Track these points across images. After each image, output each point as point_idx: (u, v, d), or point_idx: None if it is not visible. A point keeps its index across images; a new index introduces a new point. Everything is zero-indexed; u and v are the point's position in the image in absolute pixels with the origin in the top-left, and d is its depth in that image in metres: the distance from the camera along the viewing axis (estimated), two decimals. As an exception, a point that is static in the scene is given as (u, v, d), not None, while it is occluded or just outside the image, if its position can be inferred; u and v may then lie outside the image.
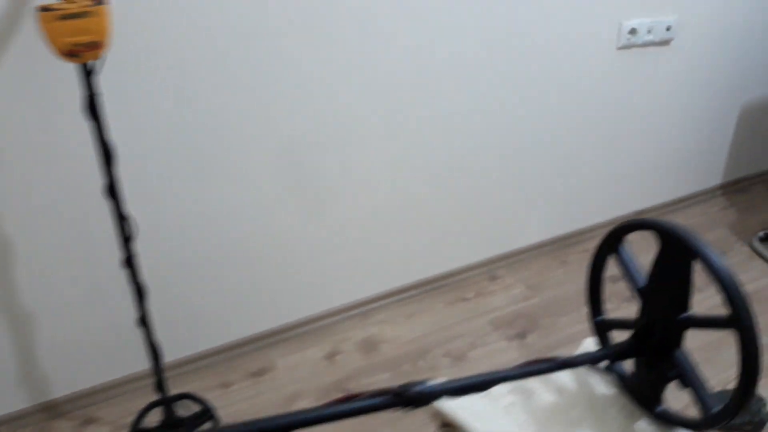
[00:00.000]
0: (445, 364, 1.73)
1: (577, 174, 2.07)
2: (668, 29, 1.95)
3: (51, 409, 1.52)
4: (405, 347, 1.78)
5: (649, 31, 1.92)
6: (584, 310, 1.89)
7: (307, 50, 1.43)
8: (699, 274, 1.23)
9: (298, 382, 1.66)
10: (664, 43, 1.98)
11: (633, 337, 1.40)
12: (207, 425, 1.50)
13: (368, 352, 1.78)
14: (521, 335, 1.83)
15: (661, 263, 1.33)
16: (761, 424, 1.44)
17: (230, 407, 1.57)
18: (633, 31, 1.90)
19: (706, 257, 1.16)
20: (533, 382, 1.53)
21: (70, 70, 1.14)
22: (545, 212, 2.08)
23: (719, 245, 2.20)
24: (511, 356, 1.75)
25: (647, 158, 2.21)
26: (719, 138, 2.36)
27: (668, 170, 2.30)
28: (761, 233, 2.21)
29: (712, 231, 2.28)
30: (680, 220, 2.32)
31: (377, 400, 1.07)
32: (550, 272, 2.08)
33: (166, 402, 1.44)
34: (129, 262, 1.23)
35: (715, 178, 2.47)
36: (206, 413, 1.52)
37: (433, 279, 1.96)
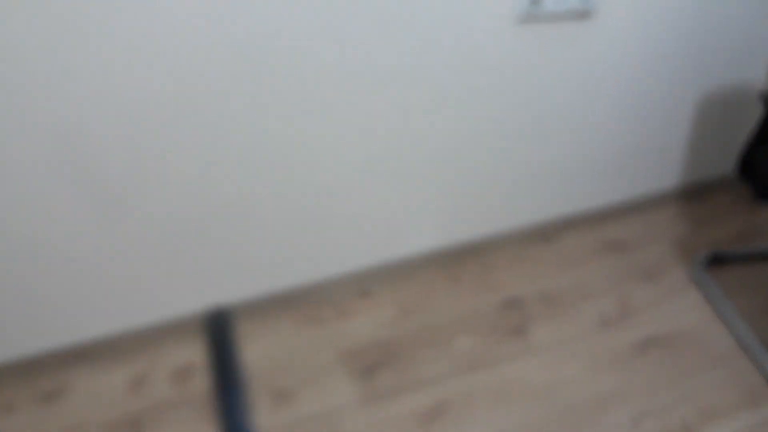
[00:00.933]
0: (266, 403, 1.43)
1: (479, 173, 1.70)
2: (585, -3, 1.55)
3: None
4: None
5: None
6: (457, 344, 1.56)
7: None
8: None
9: (91, 411, 1.39)
10: (583, 15, 1.57)
11: None
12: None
13: (181, 381, 1.48)
14: (368, 372, 1.50)
15: None
16: None
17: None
18: None
19: None
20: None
21: None
22: (439, 216, 1.72)
23: (655, 265, 1.81)
24: (347, 398, 1.44)
25: (574, 157, 1.82)
26: (670, 134, 1.94)
27: (604, 171, 1.91)
28: (704, 255, 1.82)
29: (650, 246, 1.90)
30: (612, 231, 1.94)
31: None
32: (435, 291, 1.74)
33: None
34: None
35: (667, 182, 2.06)
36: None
37: (283, 293, 1.64)
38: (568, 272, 1.79)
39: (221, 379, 1.21)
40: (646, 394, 1.44)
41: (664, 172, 2.03)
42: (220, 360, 1.24)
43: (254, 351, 1.55)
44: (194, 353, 1.54)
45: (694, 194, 2.12)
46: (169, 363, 1.52)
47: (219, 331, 1.32)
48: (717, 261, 1.83)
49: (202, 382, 1.48)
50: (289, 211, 1.52)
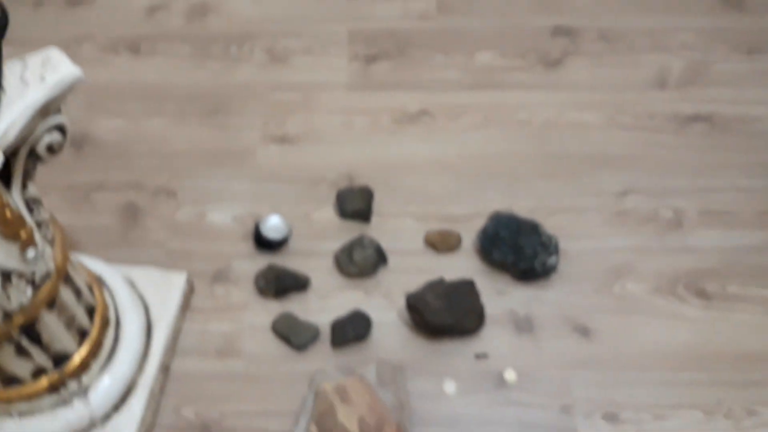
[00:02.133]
0: (261, 59, 1.41)
1: None
2: None
3: None
4: (236, 26, 1.47)
5: None
6: (478, 57, 1.40)
7: None
8: None
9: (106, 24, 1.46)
10: None
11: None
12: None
13: (197, 16, 1.49)
14: (370, 59, 1.41)
15: None
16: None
17: None
18: None
19: None
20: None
21: None
22: None
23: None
24: (337, 77, 1.39)
25: None
26: None
27: None
28: None
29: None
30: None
31: None
32: (485, -2, 1.51)
33: None
34: None
35: None
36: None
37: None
38: (651, 16, 1.47)
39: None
40: (658, 171, 1.23)
41: None
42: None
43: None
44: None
45: None
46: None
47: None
48: None
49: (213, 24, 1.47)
50: None
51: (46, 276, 0.73)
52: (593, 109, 1.33)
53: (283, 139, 1.30)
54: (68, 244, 0.79)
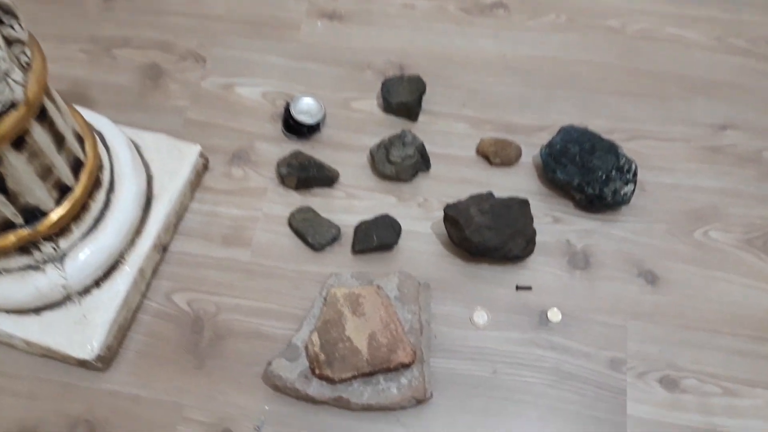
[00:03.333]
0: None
1: None
2: None
3: None
4: None
5: None
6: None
7: None
8: None
9: None
10: None
11: None
12: None
13: None
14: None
15: None
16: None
17: None
18: None
19: None
20: None
21: None
22: None
23: None
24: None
25: None
26: None
27: None
28: None
29: None
30: None
31: None
32: None
33: None
34: None
35: None
36: None
37: None
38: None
39: None
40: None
41: None
42: None
43: None
44: None
45: None
46: None
47: None
48: None
49: None
50: None
51: (11, 105, 0.60)
52: (700, 26, 1.12)
53: (333, 15, 1.13)
54: (71, 97, 0.66)
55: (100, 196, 0.82)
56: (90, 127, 0.81)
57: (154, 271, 0.89)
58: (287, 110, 0.99)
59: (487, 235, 0.85)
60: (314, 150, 0.99)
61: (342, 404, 0.77)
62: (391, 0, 1.15)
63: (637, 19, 1.12)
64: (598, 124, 1.00)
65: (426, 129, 1.01)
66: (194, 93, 1.05)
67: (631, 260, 0.90)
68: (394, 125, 1.01)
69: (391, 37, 1.10)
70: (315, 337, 0.78)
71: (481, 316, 0.86)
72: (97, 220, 0.81)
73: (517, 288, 0.88)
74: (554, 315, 0.86)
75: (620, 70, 1.07)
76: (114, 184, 0.84)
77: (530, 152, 0.98)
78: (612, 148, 0.90)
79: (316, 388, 0.77)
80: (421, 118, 1.02)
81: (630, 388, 0.81)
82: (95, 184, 0.80)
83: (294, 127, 0.99)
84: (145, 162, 0.92)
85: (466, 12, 1.13)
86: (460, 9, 1.14)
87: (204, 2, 1.15)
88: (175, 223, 0.92)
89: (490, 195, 0.88)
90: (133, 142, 0.93)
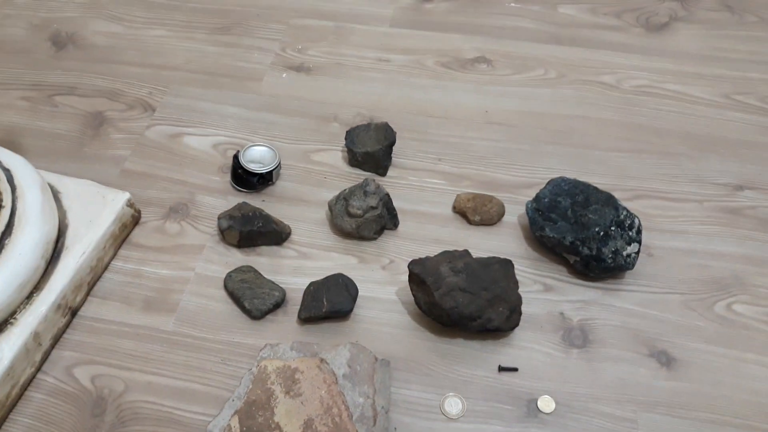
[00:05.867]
0: None
1: None
2: None
3: None
4: None
5: None
6: None
7: None
8: None
9: None
10: None
11: None
12: None
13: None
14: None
15: None
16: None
17: None
18: None
19: None
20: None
21: None
22: None
23: None
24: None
25: None
26: None
27: None
28: None
29: None
30: None
31: None
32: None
33: None
34: None
35: None
36: None
37: None
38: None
39: None
40: None
41: None
42: None
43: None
44: None
45: None
46: None
47: None
48: None
49: None
50: None
51: None
52: (704, 84, 1.01)
53: (300, 68, 1.04)
54: (2, 145, 0.54)
55: (-11, 240, 0.67)
56: (-16, 158, 0.68)
57: (56, 339, 0.73)
58: (236, 158, 0.86)
59: (460, 300, 0.69)
60: (265, 204, 0.85)
61: None
62: (365, 54, 1.05)
63: (633, 76, 1.02)
64: (596, 182, 0.87)
65: (396, 184, 0.88)
66: (137, 142, 0.93)
67: (640, 337, 0.73)
68: (359, 180, 0.88)
69: (362, 91, 1.00)
70: (234, 423, 0.60)
71: (454, 404, 0.68)
72: (-20, 268, 0.66)
73: (500, 369, 0.71)
74: (546, 404, 0.68)
75: (619, 125, 0.95)
76: (12, 228, 0.70)
77: (515, 210, 0.84)
78: (610, 200, 0.76)
79: (232, 492, 0.58)
80: (391, 172, 0.89)
81: (645, 501, 0.62)
82: (-19, 223, 0.66)
83: (243, 178, 0.86)
84: (62, 209, 0.78)
85: (445, 66, 1.03)
86: (440, 64, 1.04)
87: (162, 53, 1.06)
88: (89, 282, 0.76)
89: (465, 252, 0.73)
90: (52, 187, 0.80)
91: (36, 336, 0.69)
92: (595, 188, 0.78)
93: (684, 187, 0.88)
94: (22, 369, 0.68)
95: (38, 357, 0.70)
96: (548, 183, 0.80)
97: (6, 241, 0.68)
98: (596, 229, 0.73)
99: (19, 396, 0.69)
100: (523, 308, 0.73)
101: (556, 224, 0.76)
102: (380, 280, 0.78)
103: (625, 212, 0.75)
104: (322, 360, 0.65)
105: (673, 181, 0.88)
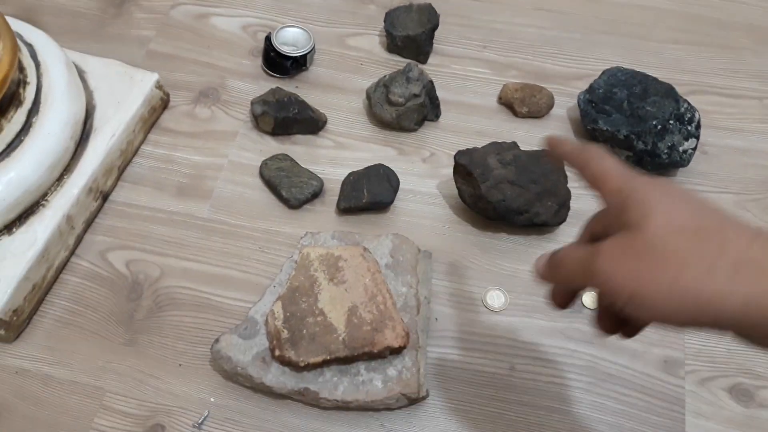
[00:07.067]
0: None
1: None
2: None
3: None
4: None
5: None
6: None
7: None
8: None
9: None
10: None
11: None
12: None
13: None
14: None
15: None
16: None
17: None
18: None
19: None
20: None
21: None
22: None
23: None
24: None
25: None
26: None
27: None
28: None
29: None
30: None
31: None
32: None
33: None
34: None
35: None
36: None
37: None
38: None
39: None
40: None
41: None
42: None
43: None
44: None
45: None
46: None
47: None
48: None
49: None
50: None
51: None
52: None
53: (332, -56, 0.96)
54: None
55: (18, 117, 0.64)
56: (8, 27, 0.64)
57: (88, 223, 0.71)
58: (268, 40, 0.81)
59: (508, 193, 0.66)
60: (299, 90, 0.81)
61: (309, 399, 0.58)
62: (404, -70, 0.97)
63: (697, -39, 0.94)
64: (651, 74, 0.82)
65: (437, 72, 0.83)
66: (162, 22, 0.88)
67: (691, 236, 0.70)
68: (398, 67, 0.83)
69: (400, -30, 0.93)
70: (278, 308, 0.59)
71: (496, 298, 0.67)
72: (12, 146, 0.63)
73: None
74: (591, 300, 0.67)
75: (677, 15, 0.88)
76: (39, 105, 0.66)
77: (565, 103, 0.80)
78: (670, 92, 0.71)
79: (275, 376, 0.58)
80: (432, 59, 0.84)
81: (689, 397, 0.62)
82: (12, 100, 0.63)
83: (276, 62, 0.81)
84: (89, 89, 0.75)
85: (491, -55, 0.95)
86: (485, -58, 0.96)
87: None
88: (119, 166, 0.74)
89: (514, 144, 0.70)
90: (77, 66, 0.76)
91: (68, 219, 0.67)
92: (655, 79, 0.73)
93: (744, 83, 0.82)
94: (56, 251, 0.66)
95: (72, 241, 0.69)
96: (603, 73, 0.75)
97: (34, 119, 0.65)
98: (653, 122, 0.69)
99: (55, 279, 0.68)
100: (572, 203, 0.70)
101: (610, 117, 0.71)
102: (421, 173, 0.75)
103: (686, 105, 0.70)
104: (365, 249, 0.63)
105: (733, 77, 0.83)
